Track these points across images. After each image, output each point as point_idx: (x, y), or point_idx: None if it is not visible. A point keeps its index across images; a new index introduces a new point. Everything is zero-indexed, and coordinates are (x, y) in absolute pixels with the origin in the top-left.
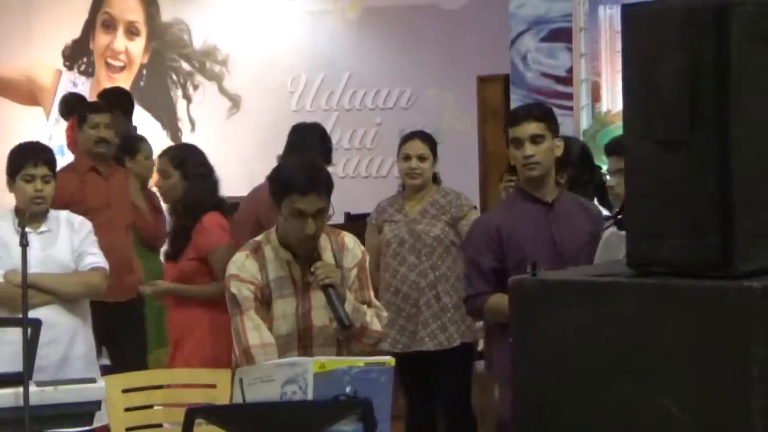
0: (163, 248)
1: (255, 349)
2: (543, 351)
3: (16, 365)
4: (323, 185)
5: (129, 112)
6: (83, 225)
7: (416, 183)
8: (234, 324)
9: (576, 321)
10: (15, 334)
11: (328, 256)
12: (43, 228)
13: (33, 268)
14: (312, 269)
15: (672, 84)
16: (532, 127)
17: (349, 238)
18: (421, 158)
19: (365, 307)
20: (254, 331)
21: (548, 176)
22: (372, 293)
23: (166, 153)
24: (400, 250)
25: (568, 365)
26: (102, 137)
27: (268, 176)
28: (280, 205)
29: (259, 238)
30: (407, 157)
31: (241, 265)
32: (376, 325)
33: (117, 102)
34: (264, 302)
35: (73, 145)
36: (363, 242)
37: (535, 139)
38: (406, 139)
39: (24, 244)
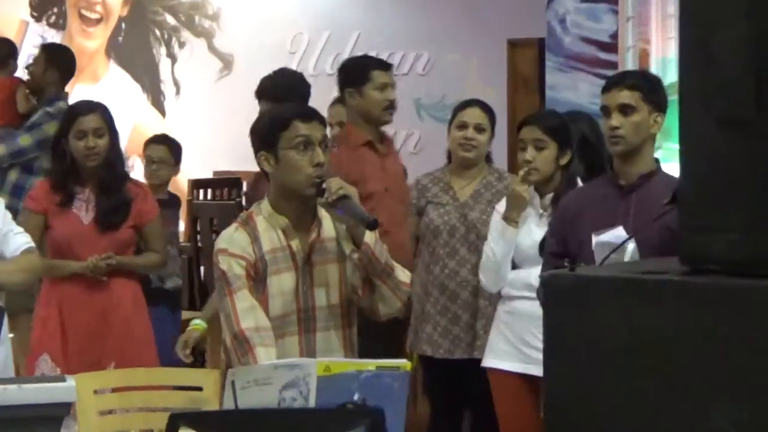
0: (92, 215)
1: (249, 332)
2: (578, 354)
3: None
4: (322, 117)
5: (69, 77)
6: None
7: (470, 156)
8: (224, 306)
9: (616, 322)
10: None
11: (328, 226)
12: None
13: None
14: (323, 185)
15: (735, 55)
16: (623, 96)
17: None
18: (479, 129)
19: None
20: (248, 313)
21: (637, 155)
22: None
23: (100, 108)
24: (450, 240)
25: (604, 370)
26: (391, 101)
27: (250, 129)
28: (276, 147)
29: (250, 209)
30: (463, 125)
31: (230, 238)
32: (403, 276)
33: (64, 62)
34: (258, 280)
35: (5, 104)
36: None
37: (625, 110)
38: (465, 105)
39: None
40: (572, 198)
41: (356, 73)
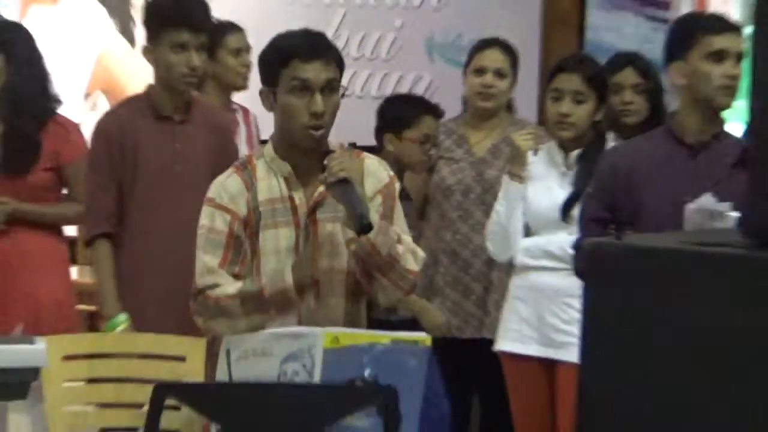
0: None
1: (203, 282)
2: (620, 336)
3: None
4: (331, 53)
5: None
6: None
7: (488, 106)
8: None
9: (668, 301)
10: None
11: None
12: None
13: None
14: (325, 161)
15: None
16: (741, 42)
17: (371, 161)
18: (500, 74)
19: (394, 234)
20: (209, 272)
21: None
22: (406, 232)
23: None
24: (464, 201)
25: (649, 356)
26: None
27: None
28: (276, 87)
29: (252, 152)
30: (481, 71)
31: (221, 185)
32: (410, 263)
33: None
34: (249, 236)
35: None
36: None
37: (741, 58)
38: (482, 47)
39: None
40: (623, 155)
41: None
